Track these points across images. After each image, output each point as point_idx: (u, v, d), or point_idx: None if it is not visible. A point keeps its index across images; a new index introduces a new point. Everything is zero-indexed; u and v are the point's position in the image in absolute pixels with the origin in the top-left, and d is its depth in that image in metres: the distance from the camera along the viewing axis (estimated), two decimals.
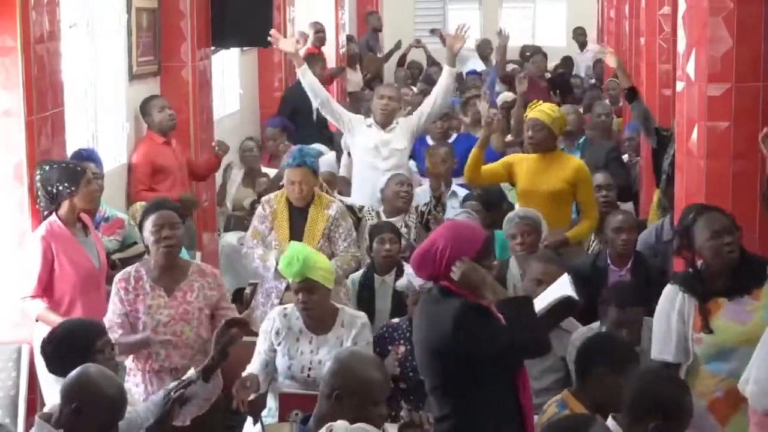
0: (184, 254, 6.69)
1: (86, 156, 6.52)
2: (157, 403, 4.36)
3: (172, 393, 4.34)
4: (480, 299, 4.21)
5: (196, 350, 5.19)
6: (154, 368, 5.18)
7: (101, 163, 6.72)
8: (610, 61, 7.84)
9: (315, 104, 7.78)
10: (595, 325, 5.51)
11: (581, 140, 8.66)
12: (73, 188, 5.62)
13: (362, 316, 5.37)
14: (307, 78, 7.70)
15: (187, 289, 5.23)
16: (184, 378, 4.52)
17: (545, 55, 14.08)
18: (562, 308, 4.47)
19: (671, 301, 4.72)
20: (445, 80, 7.77)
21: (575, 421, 3.79)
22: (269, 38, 7.77)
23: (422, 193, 7.80)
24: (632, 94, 7.47)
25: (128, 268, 5.33)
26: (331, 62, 13.18)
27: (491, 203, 7.37)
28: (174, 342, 5.17)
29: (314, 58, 11.77)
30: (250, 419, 4.98)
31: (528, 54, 14.34)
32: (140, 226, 5.36)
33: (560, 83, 13.00)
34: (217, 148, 8.23)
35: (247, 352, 5.29)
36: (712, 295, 4.66)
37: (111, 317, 5.19)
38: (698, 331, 4.64)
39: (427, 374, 4.35)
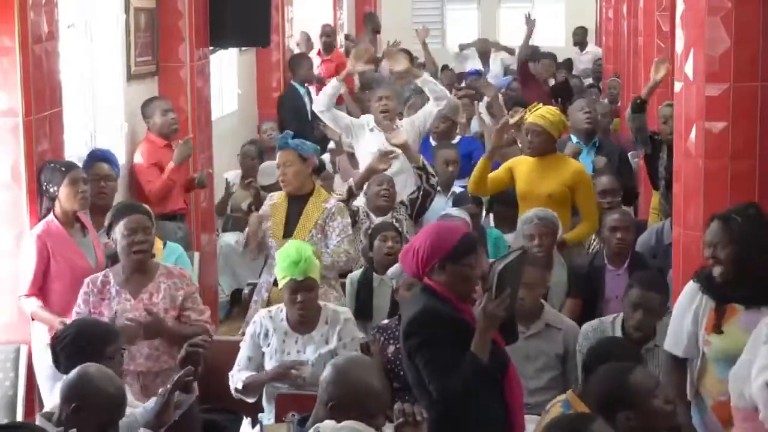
0: (183, 255, 6.73)
1: (100, 156, 6.51)
2: (151, 409, 4.34)
3: (166, 393, 4.31)
4: (463, 302, 4.23)
5: (162, 352, 5.18)
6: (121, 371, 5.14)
7: (117, 165, 6.70)
8: (660, 74, 7.46)
9: (318, 107, 7.80)
10: (608, 318, 5.51)
11: (595, 140, 8.59)
12: (55, 188, 5.64)
13: (345, 311, 5.39)
14: (336, 89, 7.85)
15: (153, 291, 5.20)
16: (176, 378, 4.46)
17: (554, 59, 14.04)
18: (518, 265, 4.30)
19: (690, 299, 4.72)
20: (424, 86, 7.88)
21: (577, 420, 3.79)
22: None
23: None
24: (641, 106, 7.44)
25: (97, 274, 5.32)
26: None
27: (498, 203, 7.37)
28: (139, 344, 5.14)
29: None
30: (246, 420, 4.97)
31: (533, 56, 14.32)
32: (109, 229, 5.29)
33: (563, 91, 12.99)
34: (197, 178, 7.96)
35: (232, 352, 5.32)
36: (730, 300, 4.63)
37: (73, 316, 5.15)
38: (709, 333, 4.63)
39: (406, 370, 4.39)
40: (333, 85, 7.87)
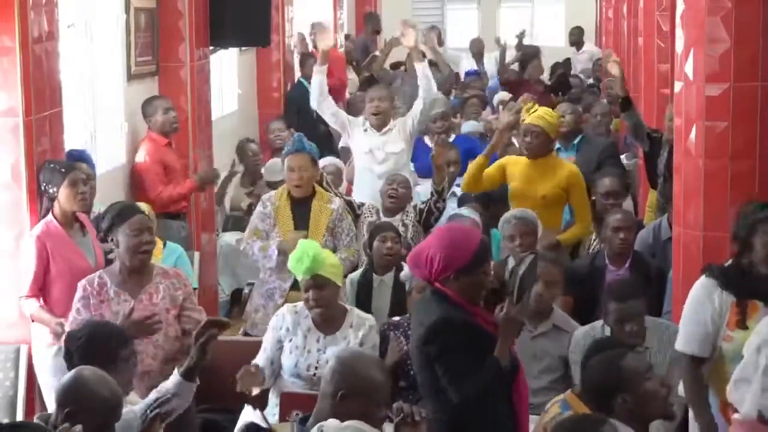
0: (183, 255, 6.73)
1: (77, 157, 6.52)
2: (144, 408, 4.32)
3: (148, 411, 4.29)
4: (475, 305, 4.24)
5: (166, 351, 5.18)
6: None
7: (93, 164, 6.71)
8: (614, 70, 7.74)
9: (314, 104, 7.78)
10: (598, 323, 5.49)
11: (578, 140, 8.62)
12: (54, 189, 5.65)
13: (370, 319, 5.38)
14: (319, 77, 7.71)
15: (152, 292, 5.21)
16: (162, 390, 4.38)
17: (539, 57, 14.09)
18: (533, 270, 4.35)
19: (708, 295, 4.62)
20: (420, 74, 7.76)
21: (587, 421, 3.79)
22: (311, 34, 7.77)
23: (422, 192, 7.80)
24: (626, 103, 7.45)
25: (92, 275, 5.31)
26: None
27: (492, 201, 7.36)
28: (143, 345, 5.12)
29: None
30: (247, 407, 4.97)
31: (523, 58, 14.38)
32: (108, 230, 5.27)
33: (561, 85, 12.97)
34: (198, 178, 7.90)
35: (232, 352, 5.30)
36: (751, 295, 4.57)
37: (73, 324, 5.11)
38: (732, 329, 4.57)
39: (417, 372, 4.39)
40: (316, 73, 7.76)
